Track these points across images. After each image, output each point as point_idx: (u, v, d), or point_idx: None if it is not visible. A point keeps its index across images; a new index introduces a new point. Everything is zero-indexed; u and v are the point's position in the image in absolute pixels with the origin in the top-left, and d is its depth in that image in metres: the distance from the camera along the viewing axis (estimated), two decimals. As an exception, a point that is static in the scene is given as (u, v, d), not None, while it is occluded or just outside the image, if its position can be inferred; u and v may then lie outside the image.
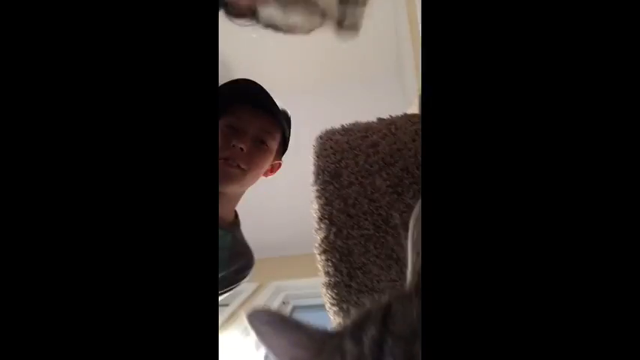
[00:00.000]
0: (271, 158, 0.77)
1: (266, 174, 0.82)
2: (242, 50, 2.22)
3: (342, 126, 0.74)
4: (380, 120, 0.70)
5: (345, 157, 0.64)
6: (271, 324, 0.25)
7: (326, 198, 0.62)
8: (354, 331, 0.25)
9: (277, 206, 2.36)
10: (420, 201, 0.26)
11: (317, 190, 0.63)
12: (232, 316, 1.47)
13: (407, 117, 0.70)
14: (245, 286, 1.82)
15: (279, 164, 0.86)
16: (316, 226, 0.62)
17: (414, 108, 0.80)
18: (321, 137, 0.72)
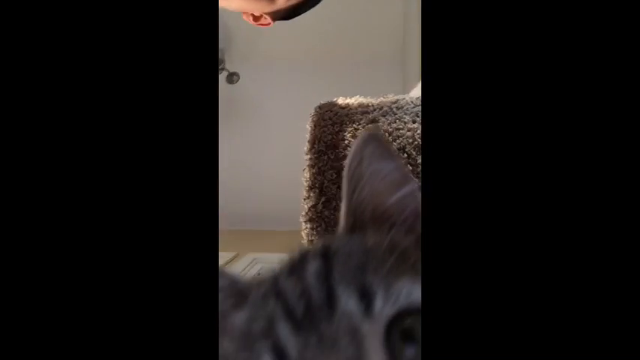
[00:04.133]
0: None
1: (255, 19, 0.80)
2: (245, 23, 2.16)
3: (343, 99, 0.73)
4: (383, 98, 0.70)
5: (343, 130, 0.64)
6: None
7: (319, 167, 0.61)
8: (290, 271, 0.24)
9: (263, 182, 2.35)
10: (359, 138, 0.27)
11: (310, 159, 0.62)
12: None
13: (410, 98, 0.70)
14: (221, 254, 1.81)
15: (269, 23, 0.83)
16: (305, 194, 0.62)
17: (415, 92, 0.79)
18: (320, 107, 0.70)
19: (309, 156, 0.63)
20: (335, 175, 0.60)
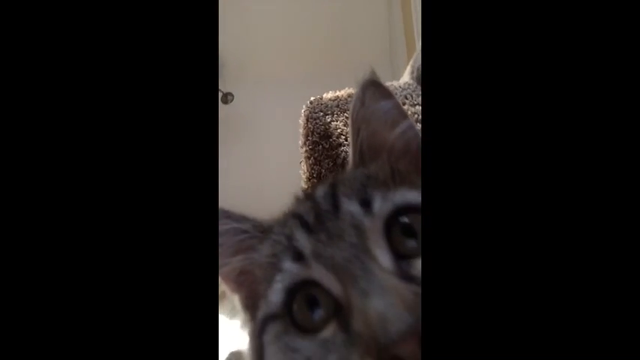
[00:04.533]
0: None
1: None
2: (235, 41, 2.21)
3: (333, 92, 0.75)
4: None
5: (335, 120, 0.65)
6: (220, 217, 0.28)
7: (315, 158, 0.62)
8: (304, 199, 0.29)
9: (262, 199, 2.35)
10: (359, 84, 0.31)
11: (306, 151, 0.63)
12: (219, 297, 1.46)
13: (398, 83, 0.71)
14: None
15: None
16: (304, 186, 0.62)
17: (402, 79, 0.81)
18: (311, 102, 0.72)
19: (304, 149, 0.64)
20: (331, 164, 0.61)
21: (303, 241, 0.24)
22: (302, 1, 2.19)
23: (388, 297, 0.20)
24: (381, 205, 0.23)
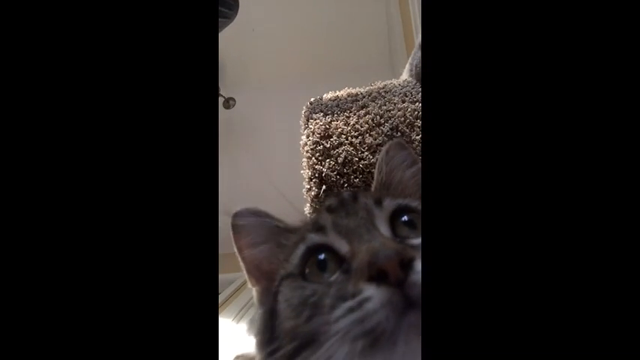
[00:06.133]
0: None
1: None
2: (235, 43, 2.22)
3: (332, 93, 0.74)
4: (371, 85, 0.71)
5: (335, 119, 0.64)
6: (251, 215, 0.35)
7: (316, 158, 0.61)
8: (331, 197, 0.36)
9: (265, 203, 2.35)
10: (388, 144, 0.41)
11: (307, 151, 0.63)
12: (225, 303, 1.46)
13: (397, 81, 0.71)
14: (237, 275, 1.80)
15: None
16: (306, 186, 0.62)
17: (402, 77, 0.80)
18: (311, 103, 0.72)
19: (305, 149, 0.64)
20: (333, 163, 0.60)
21: (325, 217, 0.31)
22: (301, 4, 2.19)
23: (383, 240, 0.27)
24: (389, 203, 0.31)
